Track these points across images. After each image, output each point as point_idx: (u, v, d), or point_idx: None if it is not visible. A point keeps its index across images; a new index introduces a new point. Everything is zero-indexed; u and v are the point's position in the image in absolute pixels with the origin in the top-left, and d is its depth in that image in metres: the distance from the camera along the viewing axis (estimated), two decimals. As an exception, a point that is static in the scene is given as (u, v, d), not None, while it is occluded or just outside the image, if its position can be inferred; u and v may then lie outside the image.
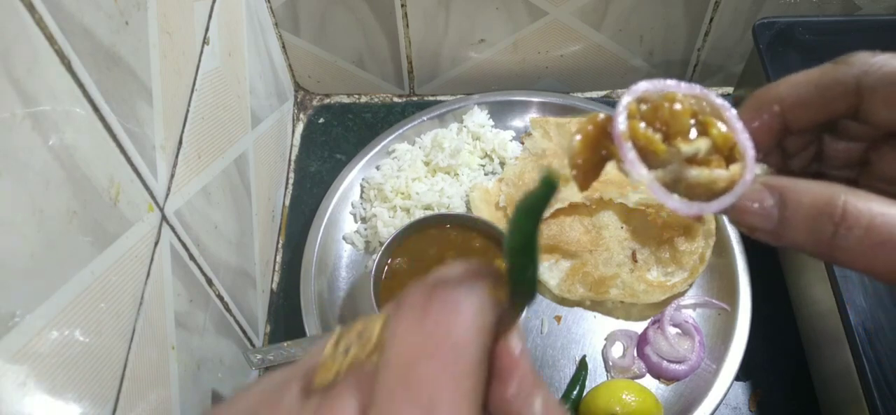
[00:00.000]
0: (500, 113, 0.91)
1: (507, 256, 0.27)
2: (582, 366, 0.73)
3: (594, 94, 0.97)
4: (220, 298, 0.66)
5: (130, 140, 0.48)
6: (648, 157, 0.30)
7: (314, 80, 0.97)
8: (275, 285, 0.83)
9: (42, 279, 0.39)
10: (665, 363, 0.72)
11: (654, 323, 0.75)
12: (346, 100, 0.98)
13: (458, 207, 0.83)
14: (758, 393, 0.73)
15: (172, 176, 0.56)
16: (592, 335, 0.76)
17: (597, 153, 0.32)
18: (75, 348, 0.41)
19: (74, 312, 0.41)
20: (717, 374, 0.71)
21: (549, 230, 0.78)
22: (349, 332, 0.26)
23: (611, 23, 0.87)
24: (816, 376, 0.72)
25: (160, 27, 0.54)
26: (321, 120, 0.96)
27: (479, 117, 0.89)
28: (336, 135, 0.94)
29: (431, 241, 0.75)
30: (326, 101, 0.98)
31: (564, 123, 0.89)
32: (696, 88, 0.31)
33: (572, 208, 0.80)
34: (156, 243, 0.52)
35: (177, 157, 0.57)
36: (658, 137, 0.30)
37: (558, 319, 0.77)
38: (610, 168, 0.32)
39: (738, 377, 0.71)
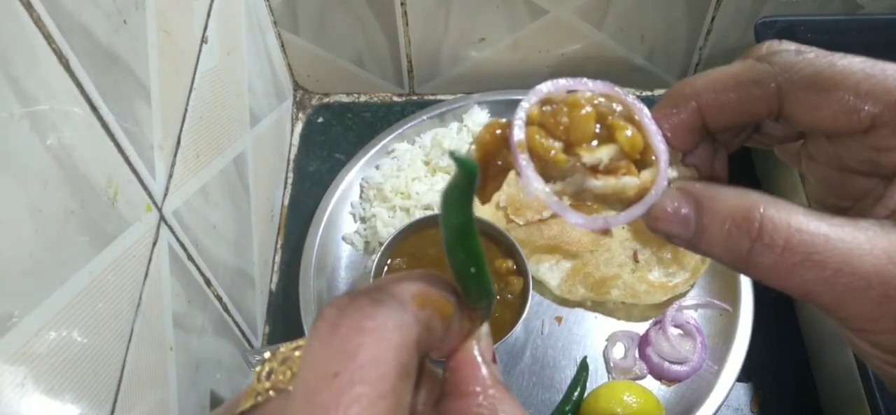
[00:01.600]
0: (500, 112, 0.91)
1: (447, 256, 0.25)
2: (583, 367, 0.73)
3: (594, 93, 0.97)
4: (219, 298, 0.65)
5: (129, 140, 0.48)
6: (549, 167, 0.28)
7: (313, 80, 0.97)
8: (274, 286, 0.83)
9: (40, 279, 0.38)
10: (666, 364, 0.72)
11: (655, 324, 0.75)
12: (345, 99, 0.98)
13: (459, 207, 0.82)
14: (759, 394, 0.72)
15: (171, 176, 0.55)
16: (593, 336, 0.76)
17: (495, 164, 0.29)
18: (73, 348, 0.41)
19: (72, 312, 0.41)
20: (718, 375, 0.71)
21: (549, 230, 0.77)
22: (275, 356, 0.25)
23: (612, 22, 0.87)
24: (818, 377, 0.72)
25: (158, 26, 0.53)
26: (320, 119, 0.96)
27: (479, 117, 0.89)
28: (335, 134, 0.94)
29: (431, 241, 0.75)
30: (326, 100, 0.98)
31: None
32: (607, 87, 0.29)
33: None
34: (154, 244, 0.52)
35: (175, 156, 0.56)
36: (559, 145, 0.28)
37: (559, 319, 0.77)
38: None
39: (739, 378, 0.71)
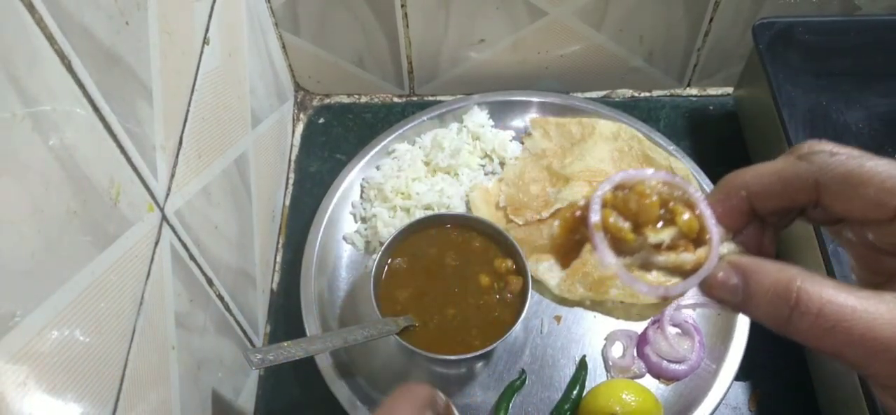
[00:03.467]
0: (500, 113, 0.91)
1: None
2: (582, 366, 0.73)
3: (594, 94, 0.97)
4: (221, 298, 0.66)
5: (130, 140, 0.48)
6: (620, 244, 0.35)
7: (314, 81, 0.97)
8: (275, 285, 0.83)
9: (42, 279, 0.39)
10: (665, 363, 0.72)
11: (653, 323, 0.75)
12: (346, 100, 0.98)
13: (458, 207, 0.83)
14: (757, 393, 0.73)
15: (172, 176, 0.56)
16: (592, 335, 0.76)
17: (573, 238, 0.36)
18: (75, 348, 0.41)
19: (75, 312, 0.41)
20: (716, 374, 0.71)
21: (549, 230, 0.78)
22: None
23: (611, 23, 0.87)
24: (816, 376, 0.72)
25: (160, 27, 0.54)
26: (321, 120, 0.96)
27: (478, 117, 0.89)
28: (336, 135, 0.94)
29: (431, 241, 0.75)
30: (326, 101, 0.98)
31: (564, 123, 0.89)
32: (667, 177, 0.35)
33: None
34: (156, 243, 0.52)
35: (177, 157, 0.57)
36: (628, 226, 0.34)
37: (558, 319, 0.77)
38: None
39: (737, 377, 0.71)
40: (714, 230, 0.34)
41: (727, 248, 0.35)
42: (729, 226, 0.35)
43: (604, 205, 0.35)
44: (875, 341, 0.28)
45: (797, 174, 0.32)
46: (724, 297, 0.33)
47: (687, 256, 0.34)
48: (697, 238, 0.34)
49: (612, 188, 0.36)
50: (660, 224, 0.34)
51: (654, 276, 0.35)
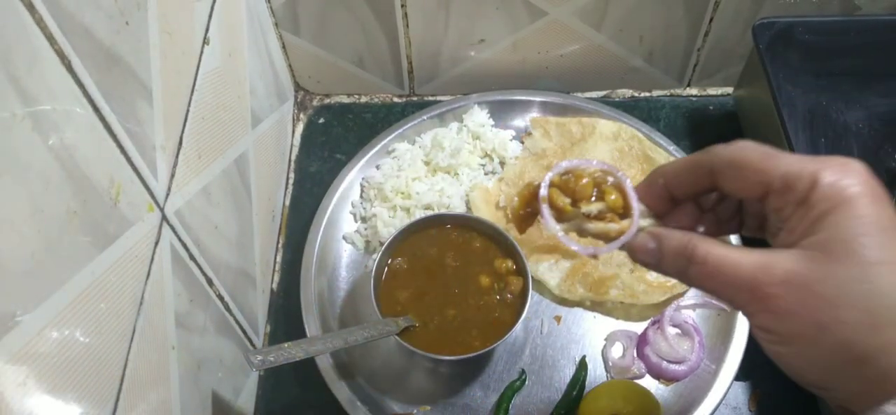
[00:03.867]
0: (500, 112, 0.91)
1: None
2: (582, 366, 0.73)
3: (594, 93, 0.97)
4: (221, 298, 0.66)
5: (130, 140, 0.48)
6: (561, 214, 0.45)
7: (314, 81, 0.97)
8: (275, 285, 0.83)
9: (42, 279, 0.39)
10: (665, 364, 0.72)
11: (653, 323, 0.75)
12: (346, 100, 0.98)
13: (458, 207, 0.83)
14: (757, 393, 0.73)
15: (172, 176, 0.56)
16: (592, 336, 0.76)
17: (527, 210, 0.48)
18: (75, 348, 0.41)
19: (74, 312, 0.41)
20: (716, 374, 0.71)
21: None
22: None
23: (610, 23, 0.87)
24: (816, 376, 0.72)
25: (160, 27, 0.54)
26: (321, 120, 0.96)
27: (479, 117, 0.89)
28: (336, 135, 0.94)
29: (431, 241, 0.75)
30: (326, 101, 0.98)
31: (565, 123, 0.89)
32: (604, 165, 0.45)
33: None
34: (156, 243, 0.52)
35: (177, 157, 0.57)
36: (568, 200, 0.45)
37: (558, 319, 0.77)
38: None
39: (737, 377, 0.71)
40: (635, 205, 0.43)
41: (647, 222, 0.44)
42: (651, 206, 0.44)
43: (551, 185, 0.45)
44: (738, 278, 0.37)
45: (698, 163, 0.41)
46: (644, 259, 0.42)
47: (613, 226, 0.43)
48: (624, 214, 0.44)
49: (560, 173, 0.46)
50: (593, 199, 0.44)
51: (587, 240, 0.45)
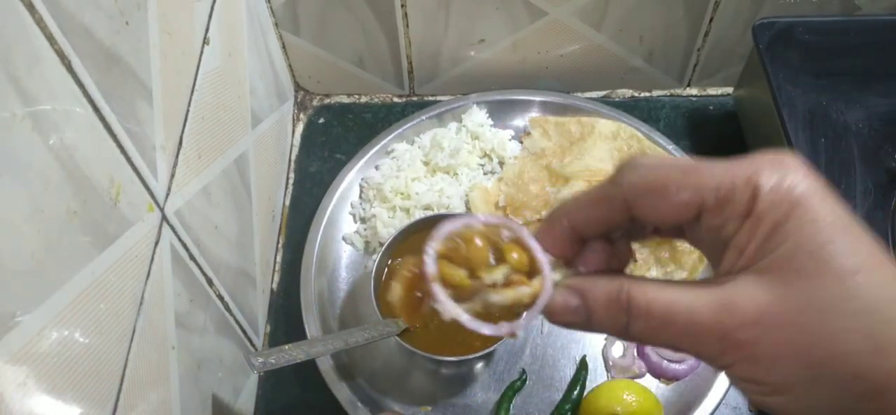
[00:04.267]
0: (499, 112, 0.91)
1: None
2: (582, 366, 0.73)
3: (594, 94, 0.97)
4: (221, 298, 0.66)
5: (130, 140, 0.48)
6: (459, 291, 0.35)
7: (314, 81, 0.97)
8: (275, 285, 0.83)
9: (42, 279, 0.39)
10: (665, 363, 0.72)
11: (654, 323, 0.75)
12: (346, 100, 0.98)
13: (458, 207, 0.83)
14: (758, 393, 0.73)
15: (172, 176, 0.56)
16: (592, 335, 0.76)
17: (414, 294, 0.39)
18: (75, 348, 0.41)
19: (74, 312, 0.41)
20: (717, 373, 0.71)
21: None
22: None
23: (610, 23, 0.87)
24: (816, 376, 0.72)
25: (160, 27, 0.54)
26: (321, 120, 0.96)
27: (478, 117, 0.89)
28: (336, 135, 0.94)
29: (431, 241, 0.75)
30: (326, 101, 0.98)
31: (564, 123, 0.89)
32: (496, 219, 0.37)
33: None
34: (156, 243, 0.52)
35: (177, 157, 0.57)
36: (464, 272, 0.35)
37: (558, 319, 0.77)
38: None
39: (738, 377, 0.71)
40: (542, 259, 0.35)
41: (561, 274, 0.36)
42: (557, 254, 0.36)
43: (439, 257, 0.36)
44: (698, 326, 0.30)
45: (607, 197, 0.34)
46: (570, 320, 0.35)
47: (523, 290, 0.35)
48: (531, 271, 0.36)
49: (442, 241, 0.36)
50: (493, 263, 0.36)
51: (498, 315, 0.36)
